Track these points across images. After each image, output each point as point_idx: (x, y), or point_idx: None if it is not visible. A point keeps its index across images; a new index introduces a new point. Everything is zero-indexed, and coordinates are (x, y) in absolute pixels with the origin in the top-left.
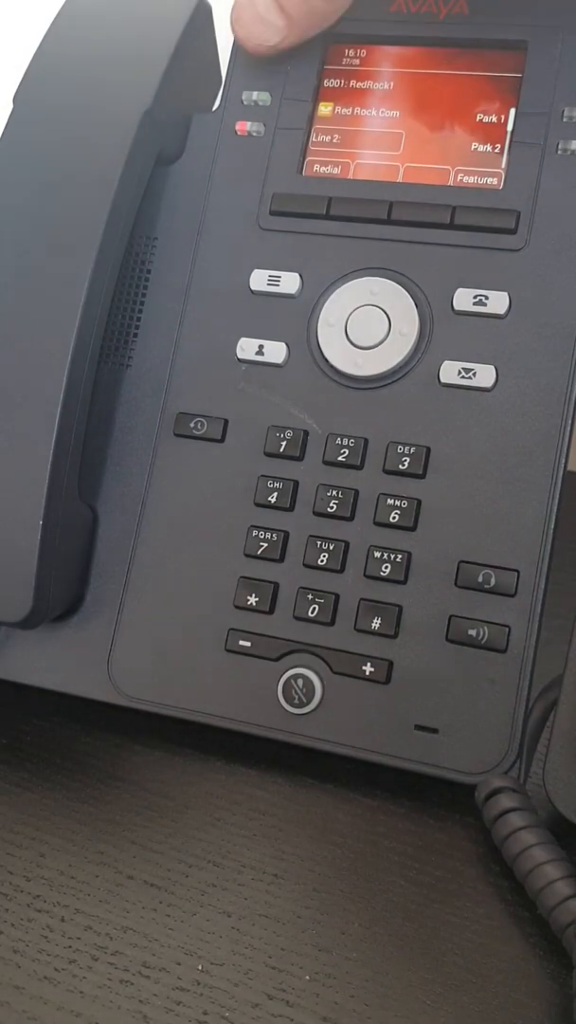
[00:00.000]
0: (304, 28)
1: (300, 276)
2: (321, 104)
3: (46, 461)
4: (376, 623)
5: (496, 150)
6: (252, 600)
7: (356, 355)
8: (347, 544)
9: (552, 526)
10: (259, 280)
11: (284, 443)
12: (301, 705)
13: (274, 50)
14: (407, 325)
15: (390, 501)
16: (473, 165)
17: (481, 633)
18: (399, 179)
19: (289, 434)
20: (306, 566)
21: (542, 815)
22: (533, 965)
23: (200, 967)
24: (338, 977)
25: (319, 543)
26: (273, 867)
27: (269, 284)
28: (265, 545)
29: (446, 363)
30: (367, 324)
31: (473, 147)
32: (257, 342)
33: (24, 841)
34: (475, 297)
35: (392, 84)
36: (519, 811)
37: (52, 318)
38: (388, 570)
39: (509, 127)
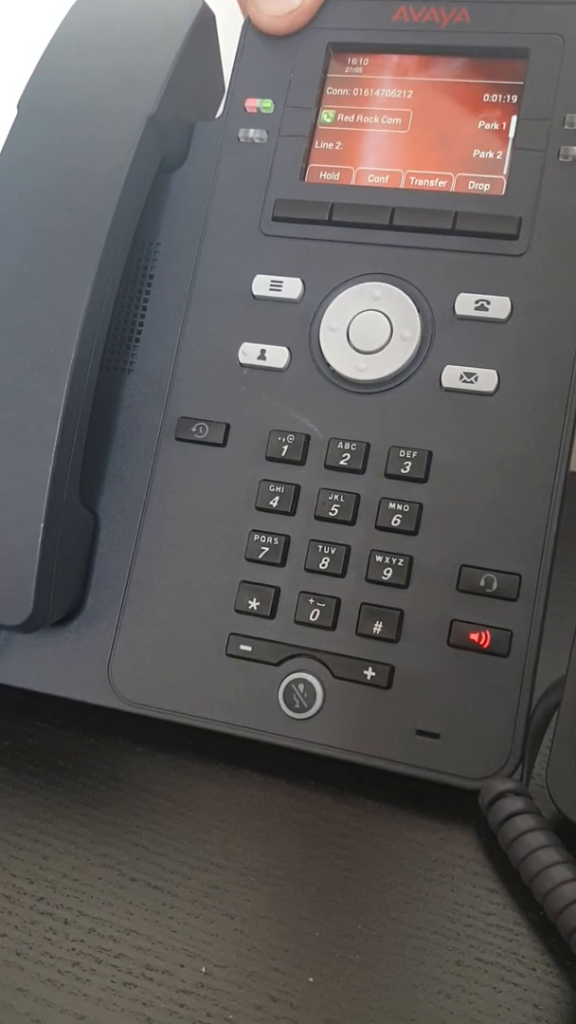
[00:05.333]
0: None
1: (302, 281)
2: (323, 111)
3: (48, 465)
4: (378, 627)
5: (498, 157)
6: (253, 604)
7: (358, 359)
8: (348, 548)
9: (554, 530)
10: (261, 285)
11: (286, 447)
12: (302, 710)
13: (291, 19)
14: (409, 330)
15: (392, 505)
16: (475, 171)
17: (483, 637)
18: (401, 185)
19: (291, 438)
20: (307, 570)
21: (546, 817)
22: (539, 968)
23: (203, 969)
24: (341, 979)
25: (320, 547)
26: (276, 869)
27: (271, 289)
28: (266, 549)
29: (448, 367)
30: (369, 329)
31: (475, 154)
32: (259, 347)
33: (27, 844)
34: (477, 302)
35: (394, 92)
36: (526, 814)
37: (55, 323)
38: (390, 574)
39: (511, 134)
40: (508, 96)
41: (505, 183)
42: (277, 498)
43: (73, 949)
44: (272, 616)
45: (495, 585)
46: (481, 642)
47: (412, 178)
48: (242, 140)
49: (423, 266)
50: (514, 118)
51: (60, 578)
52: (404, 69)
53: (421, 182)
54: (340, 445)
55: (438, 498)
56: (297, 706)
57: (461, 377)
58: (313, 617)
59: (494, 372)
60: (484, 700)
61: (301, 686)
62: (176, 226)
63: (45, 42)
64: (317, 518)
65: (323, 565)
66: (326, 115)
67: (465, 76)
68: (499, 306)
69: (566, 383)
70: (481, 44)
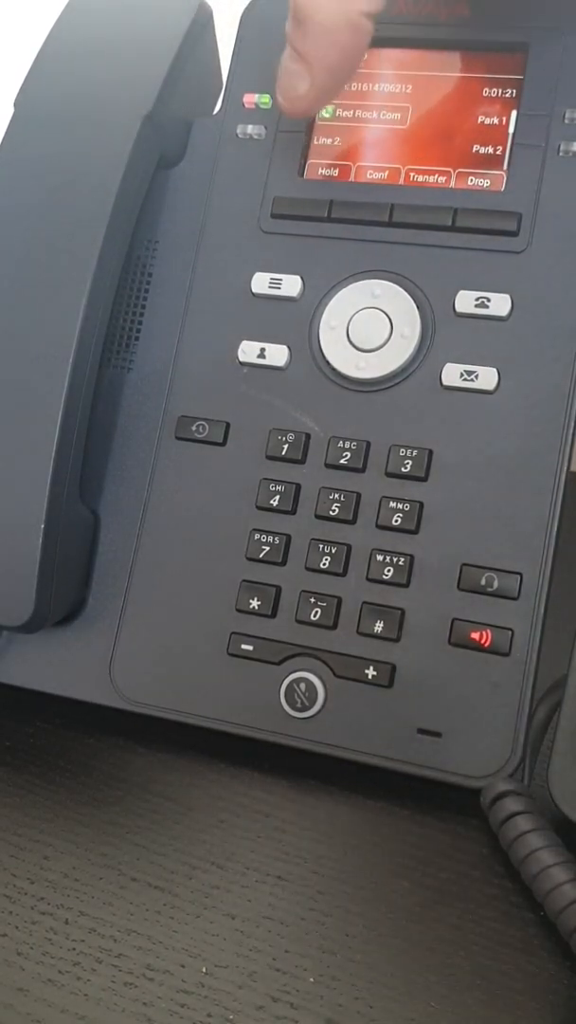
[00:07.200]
0: (328, 67)
1: (302, 279)
2: None
3: (48, 465)
4: (379, 626)
5: (497, 152)
6: (254, 603)
7: (358, 358)
8: (349, 547)
9: (555, 528)
10: (260, 283)
11: (286, 446)
12: (304, 709)
13: (307, 101)
14: (409, 327)
15: (392, 504)
16: (475, 167)
17: (484, 636)
18: (400, 182)
19: (291, 437)
20: (308, 569)
21: (548, 817)
22: (539, 968)
23: (204, 969)
24: (342, 979)
25: (321, 546)
26: (277, 869)
27: (271, 287)
28: (267, 548)
29: (448, 365)
30: (369, 327)
31: (474, 149)
32: (259, 345)
33: (28, 844)
34: (477, 299)
35: (393, 86)
36: (526, 814)
37: (54, 322)
38: (390, 573)
39: (510, 129)
40: (507, 90)
41: (505, 179)
42: (277, 497)
43: (74, 949)
44: (273, 615)
45: (496, 584)
46: (482, 641)
47: (411, 174)
48: (240, 136)
49: (423, 263)
50: (514, 113)
51: (61, 578)
52: (403, 63)
53: (420, 178)
54: (340, 444)
55: (439, 497)
56: (299, 705)
57: (461, 375)
58: (314, 616)
59: (494, 370)
60: (485, 699)
61: (303, 685)
62: (175, 223)
63: (42, 38)
64: (318, 517)
65: (324, 564)
66: (324, 110)
67: (464, 70)
68: (499, 303)
69: (567, 381)
70: (480, 38)
